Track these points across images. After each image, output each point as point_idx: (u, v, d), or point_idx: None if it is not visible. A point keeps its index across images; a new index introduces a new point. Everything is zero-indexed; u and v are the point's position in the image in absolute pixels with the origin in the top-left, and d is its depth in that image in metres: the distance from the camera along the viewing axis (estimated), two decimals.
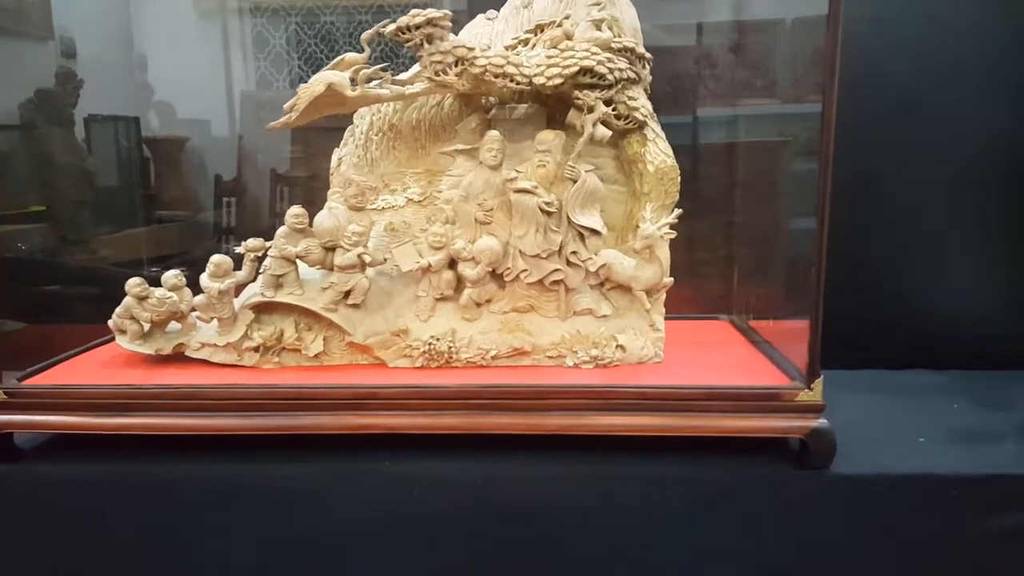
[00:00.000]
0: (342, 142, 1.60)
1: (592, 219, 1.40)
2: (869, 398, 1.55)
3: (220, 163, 2.12)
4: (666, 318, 1.62)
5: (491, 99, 1.49)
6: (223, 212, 2.19)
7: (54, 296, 1.91)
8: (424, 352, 1.41)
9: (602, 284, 1.45)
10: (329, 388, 1.31)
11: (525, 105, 1.48)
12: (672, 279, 1.43)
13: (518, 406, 1.28)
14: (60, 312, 1.83)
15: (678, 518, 1.26)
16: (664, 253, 1.40)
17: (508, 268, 1.42)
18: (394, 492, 1.29)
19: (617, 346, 1.42)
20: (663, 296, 1.45)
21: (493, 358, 1.42)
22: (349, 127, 1.59)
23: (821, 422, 1.24)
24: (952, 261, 1.77)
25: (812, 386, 1.24)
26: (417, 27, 1.33)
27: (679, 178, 1.44)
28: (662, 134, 1.45)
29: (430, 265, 1.42)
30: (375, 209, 1.54)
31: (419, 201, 1.53)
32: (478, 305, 1.44)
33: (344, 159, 1.59)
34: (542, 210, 1.38)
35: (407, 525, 1.28)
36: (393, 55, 1.84)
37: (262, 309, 1.45)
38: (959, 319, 1.76)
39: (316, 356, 1.44)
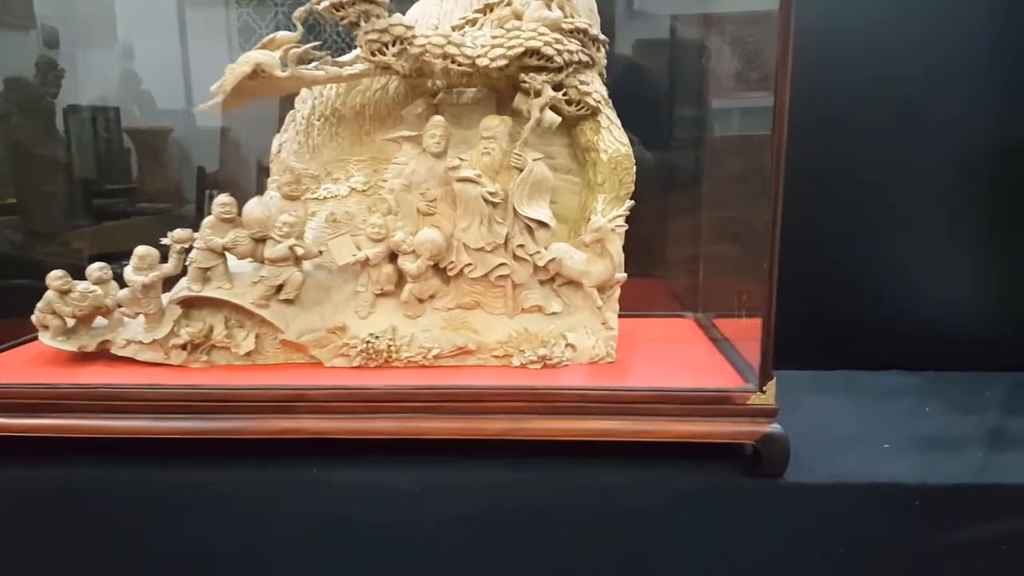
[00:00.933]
0: (282, 127, 1.52)
1: (540, 211, 1.32)
2: (836, 401, 1.47)
3: (204, 155, 2.05)
4: (629, 315, 1.56)
5: (438, 83, 1.41)
6: (206, 204, 2.11)
7: (21, 290, 1.83)
8: (362, 351, 1.33)
9: (552, 280, 1.38)
10: (253, 389, 1.23)
11: (474, 89, 1.40)
12: (625, 275, 1.35)
13: (456, 409, 1.20)
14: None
15: (623, 528, 1.18)
16: (616, 247, 1.33)
17: (452, 262, 1.34)
18: (322, 501, 1.21)
19: (567, 345, 1.34)
20: (616, 292, 1.37)
21: (436, 357, 1.34)
22: (290, 112, 1.51)
23: (774, 427, 1.16)
24: (933, 259, 1.70)
25: (765, 388, 1.16)
26: (352, 4, 1.25)
27: (634, 168, 1.36)
28: (617, 121, 1.37)
29: (368, 259, 1.34)
30: (316, 199, 1.46)
31: (363, 190, 1.45)
32: (420, 301, 1.36)
33: (284, 145, 1.51)
34: (486, 200, 1.30)
35: (334, 535, 1.21)
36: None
37: (191, 304, 1.37)
38: (937, 318, 1.68)
39: (248, 355, 1.36)
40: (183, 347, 1.34)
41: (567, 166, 1.41)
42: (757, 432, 1.16)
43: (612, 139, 1.36)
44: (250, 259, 1.36)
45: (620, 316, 1.51)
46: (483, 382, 1.24)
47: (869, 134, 1.65)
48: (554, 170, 1.39)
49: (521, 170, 1.30)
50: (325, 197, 1.46)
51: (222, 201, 1.34)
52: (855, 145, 1.65)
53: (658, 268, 1.77)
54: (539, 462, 1.21)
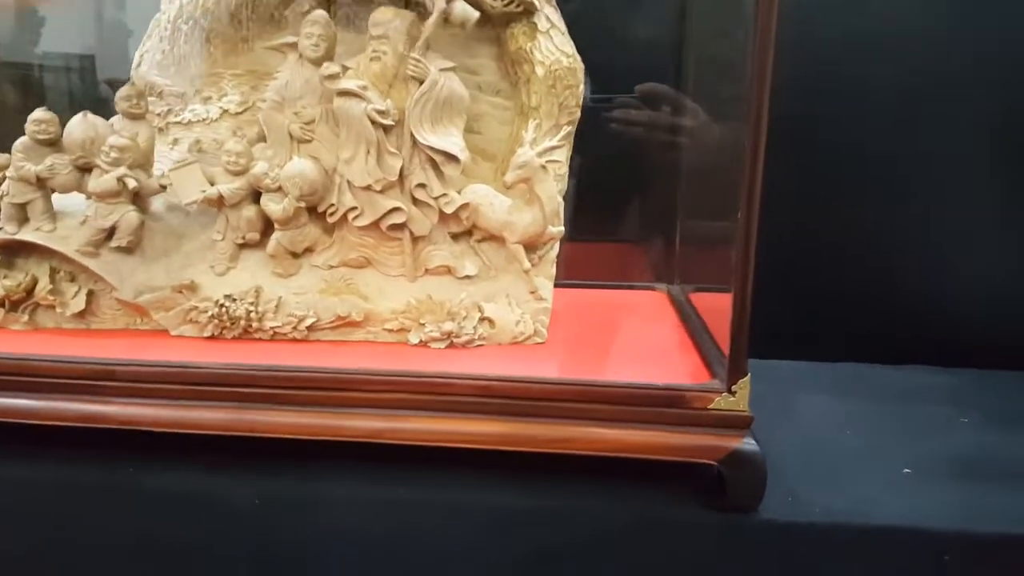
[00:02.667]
0: (145, 35, 1.19)
1: (447, 139, 0.99)
2: (840, 403, 1.12)
3: None
4: (593, 286, 1.24)
5: None
6: None
7: None
8: (214, 316, 1.01)
9: (469, 234, 1.04)
10: (48, 361, 0.92)
11: None
12: (561, 228, 1.02)
13: (307, 399, 0.88)
14: None
15: (526, 571, 0.85)
16: (547, 191, 0.99)
17: (332, 205, 1.01)
18: (136, 510, 0.90)
19: (482, 319, 1.02)
20: (552, 253, 1.04)
21: (310, 329, 1.02)
22: (155, 16, 1.19)
23: (745, 442, 0.82)
24: (970, 230, 1.33)
25: (734, 388, 0.82)
26: None
27: (581, 87, 1.02)
28: (561, 25, 1.03)
29: (222, 196, 1.01)
30: (180, 123, 1.14)
31: (238, 112, 1.13)
32: (294, 256, 1.04)
33: (146, 57, 1.18)
34: (373, 122, 0.96)
35: (150, 554, 0.89)
36: None
37: (8, 251, 1.05)
38: (976, 301, 1.32)
39: (79, 316, 1.05)
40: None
41: (495, 85, 1.07)
42: (721, 448, 0.83)
43: (552, 48, 1.01)
44: (75, 192, 1.04)
45: (575, 286, 1.20)
46: (353, 364, 0.91)
47: (891, 101, 1.29)
48: (478, 89, 1.06)
49: (421, 82, 0.96)
50: (191, 121, 1.14)
51: (37, 117, 1.02)
52: (874, 113, 1.30)
53: (631, 232, 1.42)
54: (416, 475, 0.89)
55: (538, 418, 0.86)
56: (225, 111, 1.13)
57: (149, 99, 1.13)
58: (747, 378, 0.82)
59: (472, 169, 1.05)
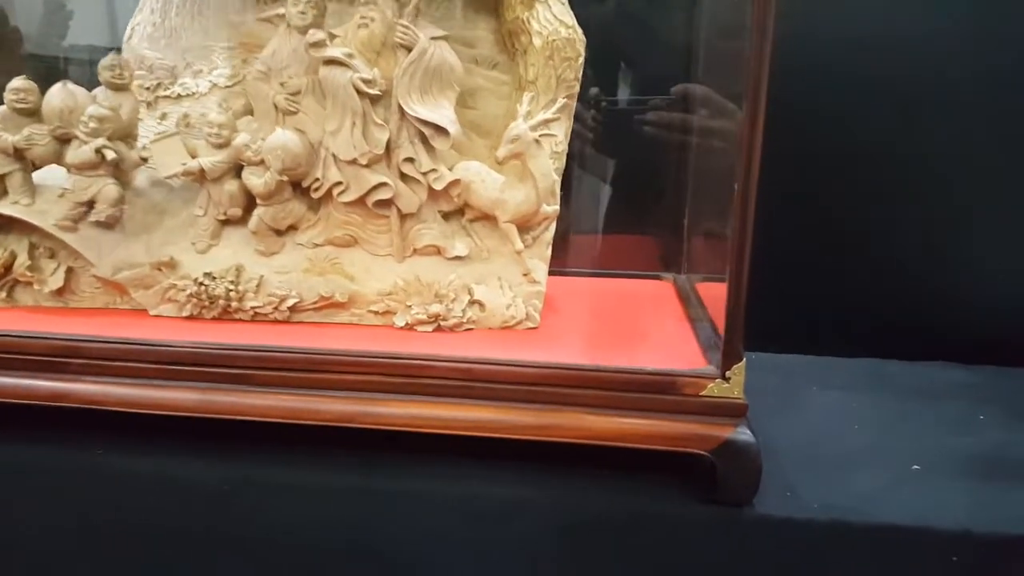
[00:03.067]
0: (138, 7, 1.16)
1: (437, 111, 0.94)
2: (850, 398, 1.07)
3: None
4: (597, 275, 1.19)
5: None
6: None
7: None
8: (193, 295, 0.98)
9: (461, 213, 1.00)
10: (17, 337, 0.89)
11: None
12: (556, 207, 0.97)
13: (279, 380, 0.84)
14: None
15: (509, 568, 0.80)
16: (541, 167, 0.94)
17: (317, 180, 0.97)
18: (105, 493, 0.86)
19: (472, 302, 0.97)
20: (548, 234, 0.99)
21: (292, 310, 0.98)
22: None
23: (739, 432, 0.77)
24: (994, 226, 1.26)
25: (728, 374, 0.77)
26: None
27: (582, 59, 0.97)
28: None
29: (203, 169, 0.98)
30: (169, 97, 1.11)
31: (228, 86, 1.09)
32: (278, 233, 1.00)
33: (137, 29, 1.15)
34: (359, 91, 0.92)
35: (118, 537, 0.86)
36: None
37: None
38: (998, 296, 1.25)
39: (58, 293, 1.02)
40: None
41: (493, 58, 1.03)
42: (713, 437, 0.78)
43: (550, 17, 0.97)
44: (55, 164, 1.01)
45: (579, 275, 1.15)
46: (329, 345, 0.87)
47: (917, 90, 1.22)
48: (474, 63, 1.01)
49: (410, 50, 0.92)
50: (180, 95, 1.11)
51: (16, 86, 0.99)
52: (902, 102, 1.22)
53: (643, 224, 1.37)
54: (394, 462, 0.85)
55: (522, 404, 0.82)
56: (215, 85, 1.10)
57: (138, 72, 1.10)
58: (742, 363, 0.77)
59: (466, 146, 1.00)
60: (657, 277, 1.27)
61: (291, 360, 0.84)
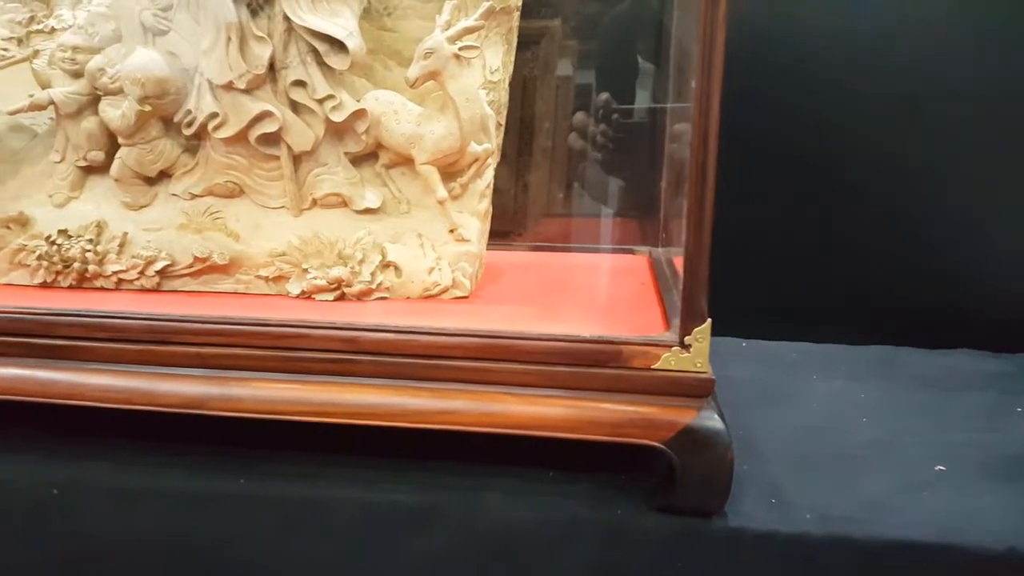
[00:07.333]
0: None
1: (334, 21, 0.76)
2: (861, 388, 0.87)
3: None
4: (568, 250, 1.05)
5: None
6: None
7: None
8: (43, 257, 0.79)
9: (376, 157, 0.81)
10: None
11: None
12: (490, 146, 0.78)
13: (111, 354, 0.65)
14: None
15: None
16: (463, 89, 0.76)
17: (190, 112, 0.79)
18: None
19: (385, 264, 0.78)
20: (483, 182, 0.81)
21: (161, 275, 0.79)
22: None
23: (703, 417, 0.57)
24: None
25: (688, 340, 0.57)
26: None
27: None
28: None
29: (54, 102, 0.79)
30: (42, 31, 0.93)
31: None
32: (147, 181, 0.82)
33: None
34: None
35: None
36: None
37: None
38: None
39: None
40: None
41: None
42: (669, 423, 0.58)
43: None
44: None
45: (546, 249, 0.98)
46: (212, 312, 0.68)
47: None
48: None
49: None
50: (55, 29, 0.93)
51: None
52: (919, 86, 1.05)
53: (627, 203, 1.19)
54: (259, 460, 0.65)
55: (420, 382, 0.62)
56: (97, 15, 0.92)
57: (10, 4, 0.93)
58: (706, 326, 0.57)
59: (382, 76, 0.82)
60: (631, 251, 1.08)
61: (125, 328, 0.65)
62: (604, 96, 1.09)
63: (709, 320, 0.57)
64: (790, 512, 0.61)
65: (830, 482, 0.66)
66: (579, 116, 1.09)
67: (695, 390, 0.58)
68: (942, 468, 0.68)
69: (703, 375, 0.58)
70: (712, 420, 0.58)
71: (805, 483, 0.65)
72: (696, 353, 0.58)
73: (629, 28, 1.11)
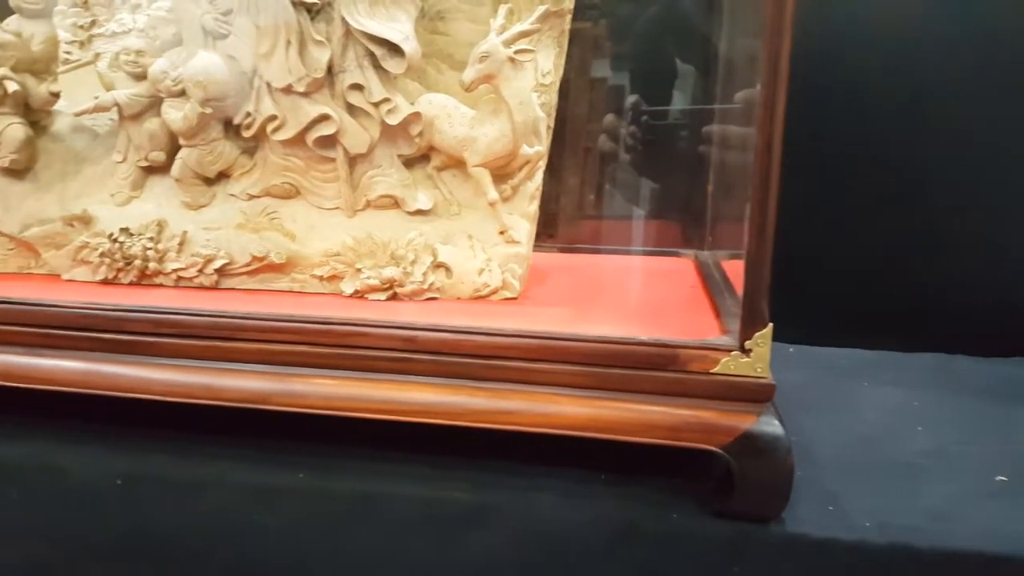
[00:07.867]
0: None
1: (391, 25, 0.77)
2: (916, 397, 0.86)
3: None
4: (613, 252, 1.06)
5: None
6: None
7: None
8: (105, 255, 0.81)
9: (427, 159, 0.82)
10: None
11: None
12: (541, 148, 0.78)
13: (176, 350, 0.67)
14: None
15: None
16: (517, 92, 0.76)
17: (249, 115, 0.80)
18: None
19: (436, 265, 0.79)
20: (533, 184, 0.81)
21: (220, 273, 0.81)
22: None
23: (763, 422, 0.57)
24: None
25: (749, 344, 0.57)
26: None
27: None
28: None
29: (118, 105, 0.81)
30: (104, 35, 0.96)
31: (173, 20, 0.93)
32: (207, 182, 0.83)
33: None
34: (294, 2, 0.75)
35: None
36: None
37: None
38: None
39: None
40: None
41: None
42: (728, 428, 0.58)
43: None
44: None
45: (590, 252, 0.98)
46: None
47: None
48: None
49: None
50: (116, 32, 0.95)
51: None
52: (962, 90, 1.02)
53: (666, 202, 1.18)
54: (319, 454, 0.66)
55: (477, 382, 0.63)
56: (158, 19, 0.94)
57: (72, 9, 0.96)
58: (767, 330, 0.57)
59: (434, 79, 0.83)
60: (675, 254, 1.08)
61: (190, 325, 0.67)
62: (635, 98, 1.09)
63: (771, 325, 0.57)
64: (848, 519, 0.60)
65: (888, 490, 0.65)
66: (614, 119, 1.09)
67: (755, 395, 0.58)
68: (1003, 479, 0.67)
69: (763, 380, 0.58)
70: (772, 425, 0.57)
71: (862, 491, 0.64)
72: (756, 358, 0.58)
73: (675, 30, 1.10)
